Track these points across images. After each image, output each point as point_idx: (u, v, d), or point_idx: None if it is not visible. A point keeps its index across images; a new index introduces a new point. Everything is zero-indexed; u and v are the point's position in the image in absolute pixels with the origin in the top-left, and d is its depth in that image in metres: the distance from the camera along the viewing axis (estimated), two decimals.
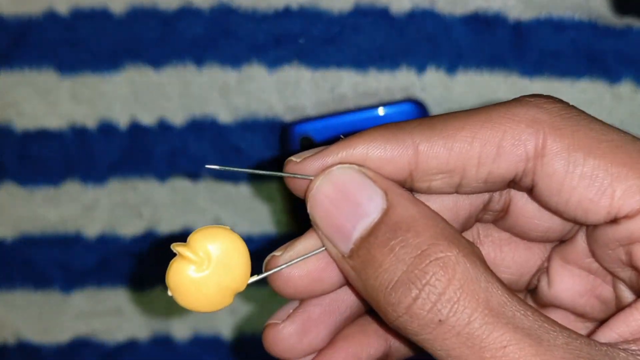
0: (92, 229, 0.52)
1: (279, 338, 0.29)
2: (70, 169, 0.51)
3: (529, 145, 0.25)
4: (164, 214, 0.51)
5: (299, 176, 0.26)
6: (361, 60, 0.50)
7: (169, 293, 0.26)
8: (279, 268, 0.27)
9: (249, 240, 0.51)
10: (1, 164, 0.51)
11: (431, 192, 0.27)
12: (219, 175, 0.51)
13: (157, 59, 0.50)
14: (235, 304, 0.52)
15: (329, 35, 0.50)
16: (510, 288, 0.24)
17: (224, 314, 0.53)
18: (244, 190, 0.51)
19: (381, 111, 0.47)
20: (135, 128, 0.51)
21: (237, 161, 0.51)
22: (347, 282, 0.27)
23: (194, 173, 0.51)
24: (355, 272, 0.25)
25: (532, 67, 0.49)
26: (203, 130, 0.50)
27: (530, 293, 0.31)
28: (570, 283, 0.29)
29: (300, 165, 0.26)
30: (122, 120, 0.51)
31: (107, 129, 0.51)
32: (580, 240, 0.28)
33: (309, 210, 0.26)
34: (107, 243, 0.52)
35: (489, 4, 0.49)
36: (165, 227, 0.52)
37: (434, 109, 0.50)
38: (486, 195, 0.28)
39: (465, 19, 0.49)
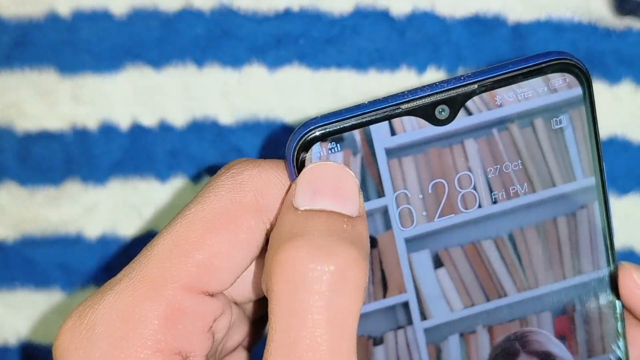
0: (93, 230, 0.52)
1: None
2: (71, 169, 0.51)
3: None
4: (165, 215, 0.52)
5: None
6: (361, 61, 0.50)
7: None
8: None
9: None
10: (2, 165, 0.51)
11: None
12: None
13: (157, 59, 0.50)
14: None
15: (329, 36, 0.50)
16: None
17: None
18: None
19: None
20: (136, 128, 0.51)
21: None
22: None
23: (195, 173, 0.51)
24: None
25: None
26: (204, 130, 0.51)
27: None
28: None
29: None
30: (122, 120, 0.51)
31: (107, 129, 0.51)
32: None
33: None
34: (107, 244, 0.52)
35: (488, 5, 0.49)
36: None
37: None
38: None
39: (466, 21, 0.49)
